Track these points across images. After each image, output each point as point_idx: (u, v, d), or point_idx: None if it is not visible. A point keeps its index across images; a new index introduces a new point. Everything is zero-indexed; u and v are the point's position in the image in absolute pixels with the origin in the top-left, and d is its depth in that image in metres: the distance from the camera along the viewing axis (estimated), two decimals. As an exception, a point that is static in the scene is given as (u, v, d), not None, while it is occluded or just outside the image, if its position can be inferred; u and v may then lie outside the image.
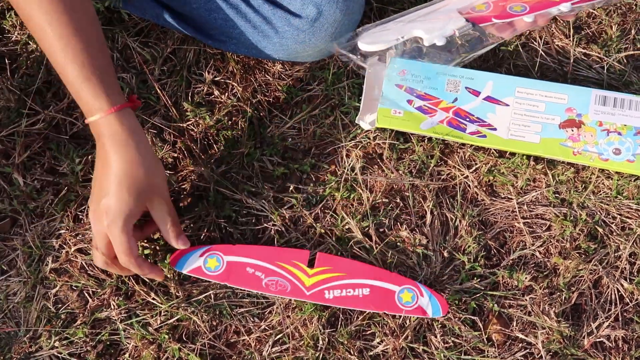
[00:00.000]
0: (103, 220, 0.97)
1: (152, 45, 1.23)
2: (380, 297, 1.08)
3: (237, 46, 1.18)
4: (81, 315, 1.10)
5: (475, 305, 1.11)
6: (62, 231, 1.14)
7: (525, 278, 1.12)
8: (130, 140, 0.96)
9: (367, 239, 1.14)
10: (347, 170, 1.17)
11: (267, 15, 1.11)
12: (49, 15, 0.91)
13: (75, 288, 1.12)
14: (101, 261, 1.02)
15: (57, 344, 1.09)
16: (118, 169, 0.95)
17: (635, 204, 1.15)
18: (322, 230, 1.14)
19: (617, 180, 1.16)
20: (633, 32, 1.25)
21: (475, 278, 1.12)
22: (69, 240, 1.13)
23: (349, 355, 1.08)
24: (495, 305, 1.11)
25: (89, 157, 1.17)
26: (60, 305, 1.11)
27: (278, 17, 1.11)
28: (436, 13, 1.03)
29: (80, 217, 1.15)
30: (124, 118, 0.96)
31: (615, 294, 1.12)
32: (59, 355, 1.09)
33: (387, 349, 1.09)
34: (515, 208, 1.16)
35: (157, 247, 1.12)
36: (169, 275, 1.11)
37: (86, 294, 1.11)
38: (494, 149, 1.18)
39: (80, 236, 1.13)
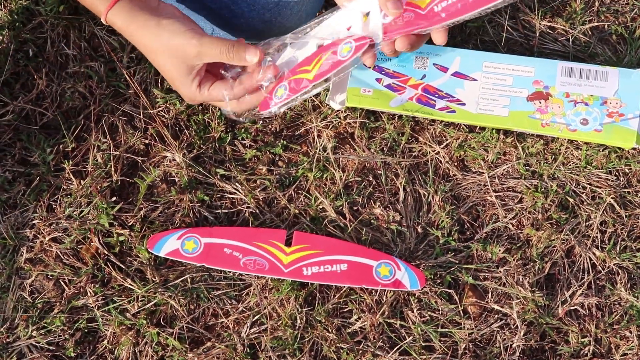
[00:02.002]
0: (185, 97, 0.99)
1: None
2: (358, 272, 1.09)
3: (205, 28, 1.17)
4: (58, 303, 1.10)
5: (450, 279, 1.12)
6: (36, 221, 1.13)
7: (499, 250, 1.13)
8: (133, 32, 0.95)
9: (341, 217, 1.14)
10: (319, 150, 1.18)
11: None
12: None
13: (51, 277, 1.11)
14: (236, 107, 1.01)
15: (34, 333, 1.09)
16: (147, 55, 0.97)
17: (604, 173, 1.17)
18: (297, 211, 1.15)
19: (586, 150, 1.17)
20: (597, 4, 1.26)
21: (449, 252, 1.13)
22: (43, 230, 1.13)
23: (327, 333, 1.09)
24: (470, 278, 1.12)
25: (60, 146, 1.17)
26: (36, 295, 1.11)
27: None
28: (306, 46, 0.98)
29: (54, 206, 1.14)
30: (122, 10, 0.95)
31: (587, 263, 1.13)
32: (37, 344, 1.08)
33: (364, 325, 1.10)
34: (487, 182, 1.17)
35: (132, 234, 1.12)
36: (145, 261, 1.11)
37: (62, 283, 1.11)
38: (464, 124, 1.19)
39: (54, 225, 1.13)
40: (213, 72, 0.99)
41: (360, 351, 1.08)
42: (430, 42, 1.05)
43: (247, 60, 0.95)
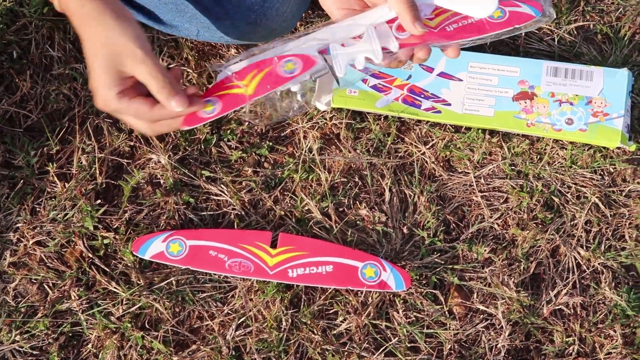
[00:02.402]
0: (99, 102, 0.89)
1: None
2: (344, 274, 1.09)
3: (189, 30, 1.17)
4: (42, 307, 1.10)
5: (436, 280, 1.12)
6: (20, 225, 1.13)
7: (485, 250, 1.13)
8: (83, 19, 0.87)
9: (326, 218, 1.14)
10: (305, 151, 1.18)
11: None
12: None
13: (34, 281, 1.11)
14: (149, 131, 0.92)
15: (18, 337, 1.08)
16: (85, 45, 0.88)
17: (590, 173, 1.17)
18: (282, 212, 1.15)
19: (571, 150, 1.17)
20: (582, 3, 1.26)
21: (435, 253, 1.13)
22: (27, 233, 1.12)
23: (313, 335, 1.09)
24: (456, 278, 1.12)
25: (45, 149, 1.16)
26: (20, 299, 1.10)
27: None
28: (298, 50, 0.93)
29: (38, 209, 1.14)
30: None
31: (572, 262, 1.13)
32: (20, 349, 1.08)
33: (350, 326, 1.09)
34: (472, 182, 1.17)
35: (117, 237, 1.12)
36: (129, 264, 1.11)
37: (46, 287, 1.11)
38: (450, 125, 1.19)
39: (38, 229, 1.12)
40: (138, 89, 0.89)
41: (346, 353, 1.08)
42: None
43: (171, 106, 0.86)
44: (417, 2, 0.87)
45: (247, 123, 1.19)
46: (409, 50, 0.89)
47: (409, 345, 1.09)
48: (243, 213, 1.15)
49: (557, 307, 1.11)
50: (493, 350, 1.09)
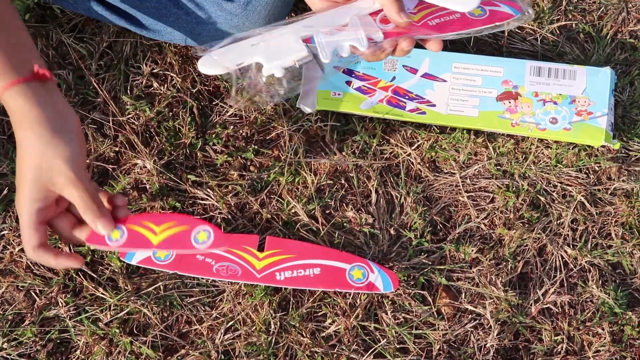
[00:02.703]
0: (16, 204, 0.88)
1: (88, 41, 1.22)
2: (331, 276, 1.09)
3: (172, 35, 1.17)
4: (29, 315, 1.09)
5: (424, 280, 1.12)
6: (5, 232, 1.12)
7: (472, 250, 1.13)
8: (26, 120, 0.84)
9: (313, 221, 1.14)
10: (291, 154, 1.18)
11: (199, 1, 1.11)
12: None
13: (21, 288, 1.10)
14: (30, 253, 0.89)
15: (5, 345, 1.07)
16: (18, 151, 0.86)
17: (575, 172, 1.17)
18: (269, 216, 1.15)
19: (556, 149, 1.18)
20: (564, 3, 1.27)
21: (422, 253, 1.14)
22: (13, 240, 1.12)
23: (302, 338, 1.09)
24: (444, 279, 1.12)
25: (29, 156, 1.16)
26: (6, 307, 1.10)
27: (210, 3, 1.10)
28: (283, 37, 0.94)
29: (23, 216, 1.13)
30: (23, 94, 0.84)
31: (559, 261, 1.13)
32: (7, 356, 1.07)
33: (339, 329, 1.09)
34: (458, 182, 1.17)
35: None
36: (117, 270, 1.10)
37: (33, 294, 1.10)
38: (435, 125, 1.19)
39: (24, 236, 1.12)
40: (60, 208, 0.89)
41: (335, 355, 1.08)
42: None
43: (97, 228, 0.87)
44: None
45: (231, 126, 1.19)
46: (393, 41, 0.91)
47: (398, 346, 1.09)
48: (230, 217, 1.15)
49: (545, 306, 1.11)
50: (482, 350, 1.09)
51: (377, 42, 0.90)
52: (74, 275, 1.10)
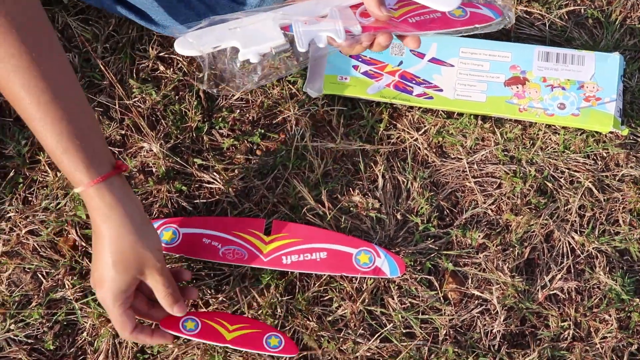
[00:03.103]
0: (98, 291, 0.95)
1: (93, 24, 1.22)
2: (338, 260, 1.09)
3: (181, 31, 1.17)
4: (36, 296, 1.09)
5: (430, 266, 1.12)
6: (12, 214, 1.12)
7: (479, 236, 1.13)
8: (114, 214, 0.90)
9: (320, 205, 1.14)
10: (297, 138, 1.17)
11: (210, 2, 1.10)
12: (26, 80, 0.85)
13: (28, 270, 1.10)
14: (124, 335, 0.99)
15: (12, 326, 1.07)
16: (105, 243, 0.91)
17: (582, 157, 1.17)
18: (275, 200, 1.14)
19: (564, 134, 1.17)
20: (573, -12, 1.27)
21: (429, 238, 1.13)
22: (19, 222, 1.11)
23: (308, 322, 1.09)
24: (450, 264, 1.12)
25: (35, 138, 1.15)
26: (13, 288, 1.10)
27: (221, 5, 1.10)
28: (262, 23, 0.94)
29: (30, 199, 1.13)
30: (107, 189, 0.90)
31: (566, 247, 1.13)
32: (15, 338, 1.07)
33: (345, 313, 1.09)
34: (465, 168, 1.17)
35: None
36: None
37: (40, 275, 1.10)
38: (442, 110, 1.19)
39: (30, 218, 1.12)
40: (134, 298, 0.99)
41: (341, 339, 1.08)
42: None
43: (173, 311, 0.99)
44: None
45: (238, 110, 1.19)
46: (371, 35, 0.91)
47: (404, 331, 1.09)
48: (236, 201, 1.14)
49: (551, 292, 1.11)
50: (488, 335, 1.09)
51: (355, 35, 0.91)
52: (80, 258, 1.10)
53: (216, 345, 1.06)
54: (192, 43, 0.92)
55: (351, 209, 1.14)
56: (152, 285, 0.96)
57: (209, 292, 1.10)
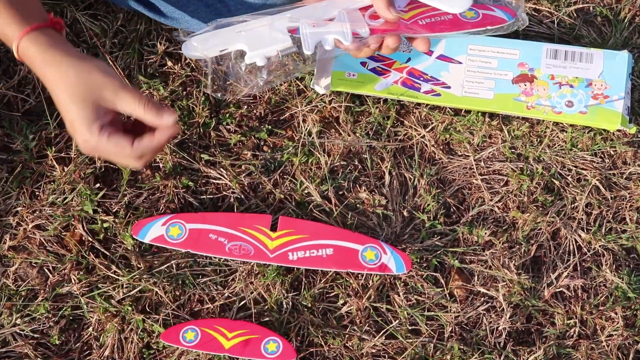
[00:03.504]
0: (76, 137, 0.90)
1: (102, 18, 1.22)
2: (344, 257, 1.09)
3: (190, 23, 1.17)
4: (42, 291, 1.10)
5: (436, 263, 1.12)
6: (19, 208, 1.12)
7: (485, 233, 1.13)
8: (52, 55, 0.87)
9: (326, 202, 1.14)
10: (304, 135, 1.17)
11: None
12: None
13: (34, 264, 1.11)
14: (135, 163, 0.92)
15: (18, 321, 1.08)
16: (55, 87, 0.88)
17: (590, 155, 1.17)
18: (282, 196, 1.15)
19: (571, 132, 1.17)
20: (582, -14, 1.26)
21: (435, 235, 1.13)
22: (26, 217, 1.12)
23: (314, 318, 1.09)
24: (457, 261, 1.12)
25: (43, 133, 1.16)
26: (20, 283, 1.10)
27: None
28: (269, 26, 0.93)
29: (37, 193, 1.13)
30: (41, 38, 0.87)
31: (573, 245, 1.13)
32: (21, 332, 1.08)
33: (350, 309, 1.09)
34: (472, 165, 1.17)
35: (116, 220, 1.12)
36: (129, 248, 1.10)
37: (46, 270, 1.11)
38: (449, 108, 1.18)
39: (37, 212, 1.12)
40: (114, 126, 0.91)
41: (347, 335, 1.08)
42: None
43: (162, 120, 0.89)
44: None
45: (245, 106, 1.19)
46: (379, 37, 0.90)
47: (409, 327, 1.09)
48: (243, 196, 1.14)
49: (558, 290, 1.11)
50: (494, 332, 1.09)
51: (363, 37, 0.90)
52: (86, 253, 1.10)
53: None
54: (196, 47, 0.92)
55: (358, 205, 1.14)
56: (124, 108, 0.88)
57: (215, 287, 1.10)
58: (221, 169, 1.15)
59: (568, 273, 1.11)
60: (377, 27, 0.90)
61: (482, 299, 1.11)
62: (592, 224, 1.14)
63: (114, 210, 1.13)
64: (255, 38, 0.91)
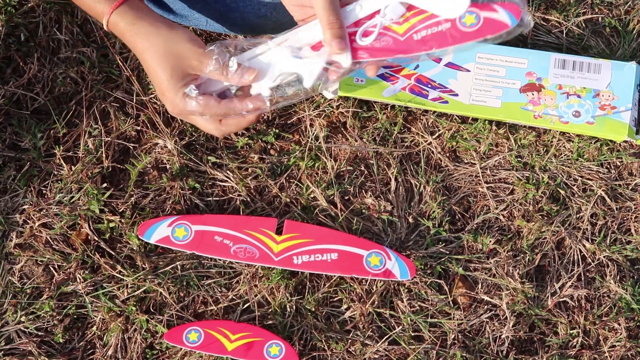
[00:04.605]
0: (168, 105, 0.93)
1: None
2: (349, 261, 1.09)
3: (199, 21, 1.17)
4: (47, 289, 1.10)
5: (440, 270, 1.12)
6: (26, 206, 1.13)
7: (490, 241, 1.13)
8: (141, 26, 0.92)
9: (332, 206, 1.14)
10: (311, 139, 1.18)
11: None
12: None
13: (40, 263, 1.11)
14: (217, 132, 0.94)
15: (23, 318, 1.08)
16: (146, 57, 0.92)
17: (596, 166, 1.17)
18: (288, 200, 1.15)
19: (578, 142, 1.17)
20: (591, -4, 1.27)
21: (440, 243, 1.13)
22: (33, 215, 1.12)
23: (317, 322, 1.09)
24: (461, 268, 1.12)
25: (51, 132, 1.16)
26: (25, 280, 1.10)
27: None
28: (271, 52, 0.91)
29: (44, 192, 1.14)
30: (129, 11, 0.92)
31: (577, 255, 1.13)
32: (25, 330, 1.08)
33: (354, 314, 1.10)
34: (478, 173, 1.17)
35: (122, 220, 1.12)
36: (135, 248, 1.10)
37: (52, 268, 1.11)
38: (457, 115, 1.19)
39: (44, 211, 1.12)
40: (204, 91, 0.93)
41: (350, 340, 1.08)
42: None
43: (245, 80, 0.90)
44: (390, 4, 0.83)
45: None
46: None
47: (412, 334, 1.09)
48: (249, 199, 1.15)
49: (561, 299, 1.11)
50: (497, 340, 1.09)
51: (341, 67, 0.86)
52: (91, 253, 1.11)
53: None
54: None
55: (363, 210, 1.15)
56: (208, 74, 0.91)
57: (219, 289, 1.10)
58: (228, 172, 1.16)
59: (572, 283, 1.11)
60: (365, 46, 0.85)
61: (486, 306, 1.11)
62: (597, 234, 1.14)
63: (121, 210, 1.13)
64: (260, 68, 0.90)
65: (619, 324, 1.10)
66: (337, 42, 0.84)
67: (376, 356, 1.08)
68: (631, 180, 1.16)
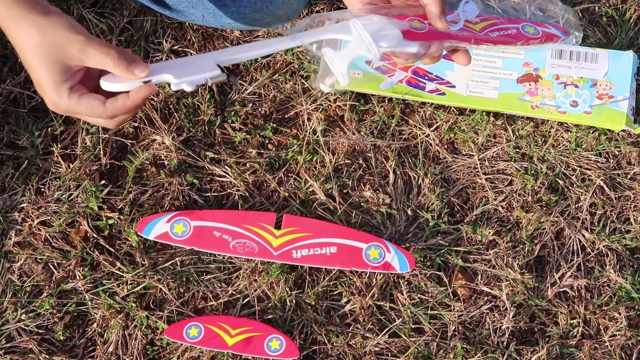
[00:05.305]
0: (45, 98, 0.83)
1: (108, 16, 1.22)
2: (348, 255, 1.09)
3: (195, 16, 1.17)
4: (47, 287, 1.10)
5: (440, 261, 1.12)
6: (24, 205, 1.13)
7: (489, 233, 1.13)
8: (14, 13, 0.80)
9: (331, 200, 1.14)
10: (309, 133, 1.18)
11: None
12: None
13: (39, 260, 1.11)
14: (107, 123, 0.86)
15: (23, 316, 1.08)
16: (19, 49, 0.82)
17: (594, 156, 1.17)
18: (286, 194, 1.15)
19: (576, 132, 1.17)
20: (587, -14, 1.26)
21: (439, 235, 1.13)
22: (32, 213, 1.12)
23: (317, 316, 1.09)
24: (460, 260, 1.12)
25: (49, 129, 1.16)
26: (25, 278, 1.11)
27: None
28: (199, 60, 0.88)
29: (42, 189, 1.14)
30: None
31: (577, 245, 1.13)
32: (26, 327, 1.08)
33: (354, 307, 1.10)
34: (477, 164, 1.17)
35: (121, 217, 1.12)
36: (134, 244, 1.11)
37: (51, 266, 1.11)
38: (454, 107, 1.19)
39: (42, 209, 1.12)
40: (87, 85, 0.84)
41: (350, 333, 1.08)
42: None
43: (134, 74, 0.81)
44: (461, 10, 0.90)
45: (250, 104, 1.19)
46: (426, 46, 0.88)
47: (413, 326, 1.09)
48: (247, 194, 1.15)
49: (561, 290, 1.11)
50: (497, 332, 1.09)
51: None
52: (91, 250, 1.11)
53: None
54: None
55: (362, 204, 1.15)
56: (93, 64, 0.81)
57: (219, 285, 1.11)
58: (226, 167, 1.16)
59: (572, 273, 1.11)
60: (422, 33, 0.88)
61: (486, 298, 1.11)
62: (596, 224, 1.14)
63: (119, 207, 1.13)
64: (184, 68, 0.86)
65: (619, 313, 1.10)
66: (444, 17, 0.86)
67: (376, 349, 1.08)
68: (630, 170, 1.16)
